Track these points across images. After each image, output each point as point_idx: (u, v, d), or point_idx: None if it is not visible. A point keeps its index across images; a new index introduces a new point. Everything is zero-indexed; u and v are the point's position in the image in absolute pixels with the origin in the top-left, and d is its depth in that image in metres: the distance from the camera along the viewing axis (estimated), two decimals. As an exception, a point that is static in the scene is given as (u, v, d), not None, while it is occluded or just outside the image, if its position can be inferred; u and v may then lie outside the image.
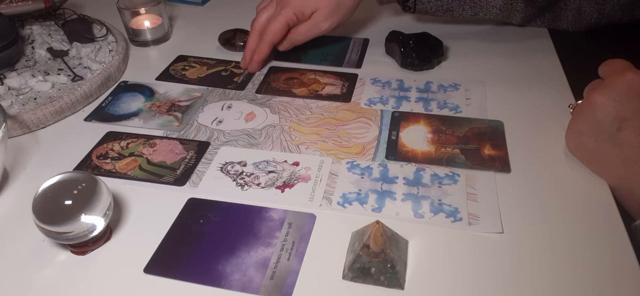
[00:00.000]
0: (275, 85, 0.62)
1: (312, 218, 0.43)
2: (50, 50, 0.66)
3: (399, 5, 0.67)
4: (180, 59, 0.68)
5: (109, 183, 0.42)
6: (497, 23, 0.70)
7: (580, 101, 0.47)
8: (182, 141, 0.53)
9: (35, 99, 0.57)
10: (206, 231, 0.43)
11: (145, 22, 0.71)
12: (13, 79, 0.59)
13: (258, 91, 0.61)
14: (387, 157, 0.50)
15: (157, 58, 0.69)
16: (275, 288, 0.38)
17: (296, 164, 0.49)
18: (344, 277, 0.38)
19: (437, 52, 0.63)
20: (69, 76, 0.61)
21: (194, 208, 0.45)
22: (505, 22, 0.68)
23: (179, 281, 0.39)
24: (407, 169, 0.48)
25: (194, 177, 0.48)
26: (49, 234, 0.39)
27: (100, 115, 0.58)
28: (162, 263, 0.40)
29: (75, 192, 0.39)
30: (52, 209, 0.38)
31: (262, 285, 0.38)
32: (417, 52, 0.62)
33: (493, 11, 0.64)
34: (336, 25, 0.63)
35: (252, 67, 0.64)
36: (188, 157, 0.51)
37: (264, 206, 0.45)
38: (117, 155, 0.51)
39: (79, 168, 0.50)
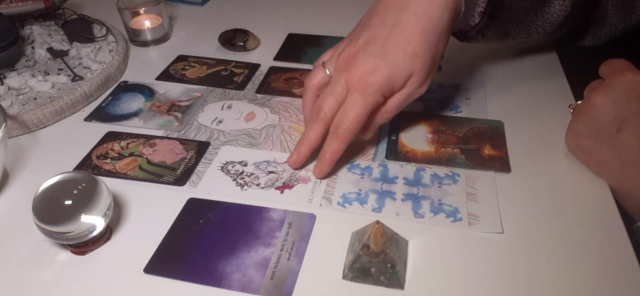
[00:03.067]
0: (275, 85, 0.62)
1: (312, 218, 0.43)
2: (50, 50, 0.66)
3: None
4: (180, 59, 0.68)
5: (109, 183, 0.42)
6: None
7: (580, 102, 0.47)
8: (182, 141, 0.53)
9: (35, 99, 0.57)
10: (206, 231, 0.43)
11: (145, 22, 0.71)
12: (13, 79, 0.59)
13: (258, 91, 0.61)
14: (387, 157, 0.50)
15: (157, 58, 0.69)
16: (275, 288, 0.38)
17: (296, 164, 0.49)
18: (344, 277, 0.38)
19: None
20: (69, 76, 0.61)
21: (194, 208, 0.45)
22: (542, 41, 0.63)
23: (179, 281, 0.39)
24: (407, 169, 0.48)
25: (193, 177, 0.48)
26: (49, 234, 0.39)
27: (100, 115, 0.58)
28: (162, 263, 0.40)
29: (75, 192, 0.39)
30: (52, 209, 0.38)
31: (262, 285, 0.38)
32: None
33: (548, 28, 0.55)
34: (431, 80, 0.47)
35: (322, 170, 0.46)
36: (188, 157, 0.51)
37: (264, 206, 0.45)
38: (117, 155, 0.51)
39: (79, 168, 0.50)
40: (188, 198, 0.46)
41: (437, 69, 0.47)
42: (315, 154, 0.47)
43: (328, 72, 0.47)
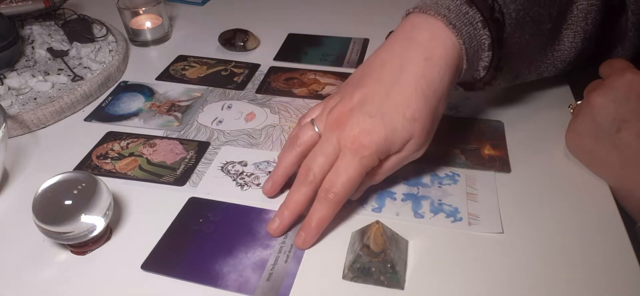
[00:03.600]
0: (275, 85, 0.62)
1: (312, 218, 0.43)
2: (50, 50, 0.66)
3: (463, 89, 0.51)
4: (180, 59, 0.68)
5: (109, 183, 0.42)
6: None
7: (580, 102, 0.47)
8: (182, 141, 0.53)
9: (35, 99, 0.57)
10: (205, 230, 0.43)
11: (146, 22, 0.71)
12: (13, 79, 0.59)
13: (258, 91, 0.61)
14: (387, 157, 0.50)
15: (157, 58, 0.69)
16: (271, 290, 0.38)
17: (296, 164, 0.49)
18: (344, 277, 0.38)
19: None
20: (69, 76, 0.61)
21: (194, 208, 0.45)
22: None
23: (175, 280, 0.39)
24: (407, 169, 0.48)
25: (194, 177, 0.48)
26: (49, 234, 0.39)
27: (100, 115, 0.58)
28: (159, 261, 0.40)
29: (75, 192, 0.39)
30: (52, 209, 0.38)
31: (258, 286, 0.38)
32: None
33: (559, 65, 0.53)
34: (428, 145, 0.44)
35: (307, 241, 0.41)
36: (188, 157, 0.51)
37: (264, 208, 0.45)
38: (117, 155, 0.51)
39: (79, 168, 0.50)
40: (188, 197, 0.46)
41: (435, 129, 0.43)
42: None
43: (317, 130, 0.43)
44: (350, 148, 0.40)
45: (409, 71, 0.41)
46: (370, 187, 0.45)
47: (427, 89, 0.40)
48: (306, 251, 0.40)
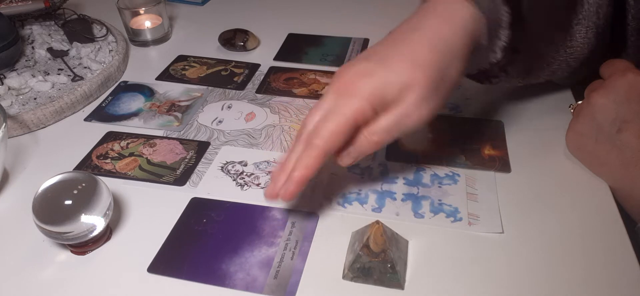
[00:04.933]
0: (275, 85, 0.62)
1: (315, 217, 0.43)
2: (50, 50, 0.66)
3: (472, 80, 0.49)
4: (180, 59, 0.68)
5: (109, 183, 0.42)
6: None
7: (580, 102, 0.47)
8: (182, 141, 0.53)
9: (35, 99, 0.57)
10: (209, 230, 0.43)
11: (145, 22, 0.71)
12: (13, 79, 0.59)
13: (258, 91, 0.61)
14: (387, 157, 0.50)
15: (157, 58, 0.69)
16: (279, 287, 0.38)
17: (296, 164, 0.49)
18: (344, 277, 0.38)
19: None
20: (69, 76, 0.61)
21: (198, 208, 0.45)
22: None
23: (175, 280, 0.39)
24: (407, 169, 0.48)
25: (194, 177, 0.48)
26: (49, 234, 0.39)
27: (100, 115, 0.58)
28: (165, 263, 0.40)
29: (75, 192, 0.39)
30: (52, 209, 0.38)
31: (266, 284, 0.38)
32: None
33: (572, 64, 0.50)
34: (435, 111, 0.39)
35: (288, 190, 0.37)
36: (188, 157, 0.51)
37: (267, 206, 0.45)
38: (117, 155, 0.51)
39: (79, 168, 0.50)
40: (189, 197, 0.46)
41: (447, 98, 0.39)
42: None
43: None
44: (343, 92, 0.37)
45: (421, 29, 0.38)
46: (369, 184, 0.45)
47: (437, 42, 0.38)
48: (311, 249, 0.40)
